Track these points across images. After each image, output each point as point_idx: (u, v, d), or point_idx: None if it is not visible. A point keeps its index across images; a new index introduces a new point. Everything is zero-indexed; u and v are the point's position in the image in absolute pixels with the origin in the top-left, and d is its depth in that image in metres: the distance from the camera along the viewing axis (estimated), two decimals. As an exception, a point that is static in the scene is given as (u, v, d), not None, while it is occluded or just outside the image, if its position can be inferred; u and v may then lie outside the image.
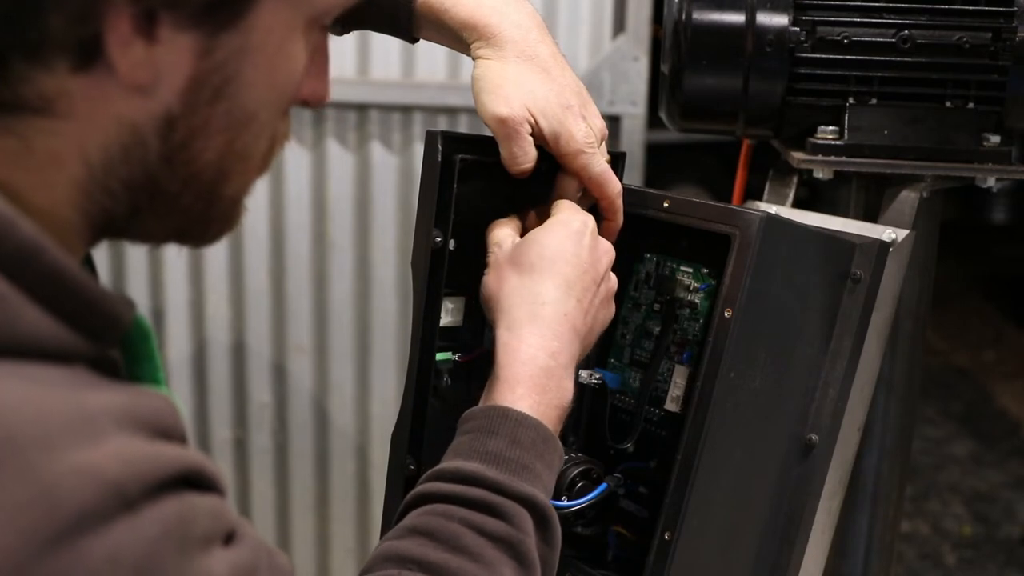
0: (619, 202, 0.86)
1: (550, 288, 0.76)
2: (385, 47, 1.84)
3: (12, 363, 0.49)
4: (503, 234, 0.82)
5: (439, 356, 0.84)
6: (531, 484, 0.71)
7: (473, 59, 0.83)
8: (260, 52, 0.55)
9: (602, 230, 0.88)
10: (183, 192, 0.57)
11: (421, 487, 0.72)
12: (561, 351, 0.76)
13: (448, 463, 0.72)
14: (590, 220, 0.81)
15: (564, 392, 0.76)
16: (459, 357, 0.86)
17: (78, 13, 0.50)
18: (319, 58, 0.63)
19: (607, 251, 0.81)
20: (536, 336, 0.75)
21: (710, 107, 1.05)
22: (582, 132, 0.82)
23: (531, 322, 0.76)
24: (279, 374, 1.96)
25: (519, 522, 0.69)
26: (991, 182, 1.04)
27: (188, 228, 0.60)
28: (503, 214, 0.86)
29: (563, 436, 0.92)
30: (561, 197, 0.85)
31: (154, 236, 0.60)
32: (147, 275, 1.91)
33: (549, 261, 0.77)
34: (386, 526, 0.85)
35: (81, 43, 0.50)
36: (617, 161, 0.88)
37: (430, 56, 1.84)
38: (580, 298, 0.77)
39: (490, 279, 0.80)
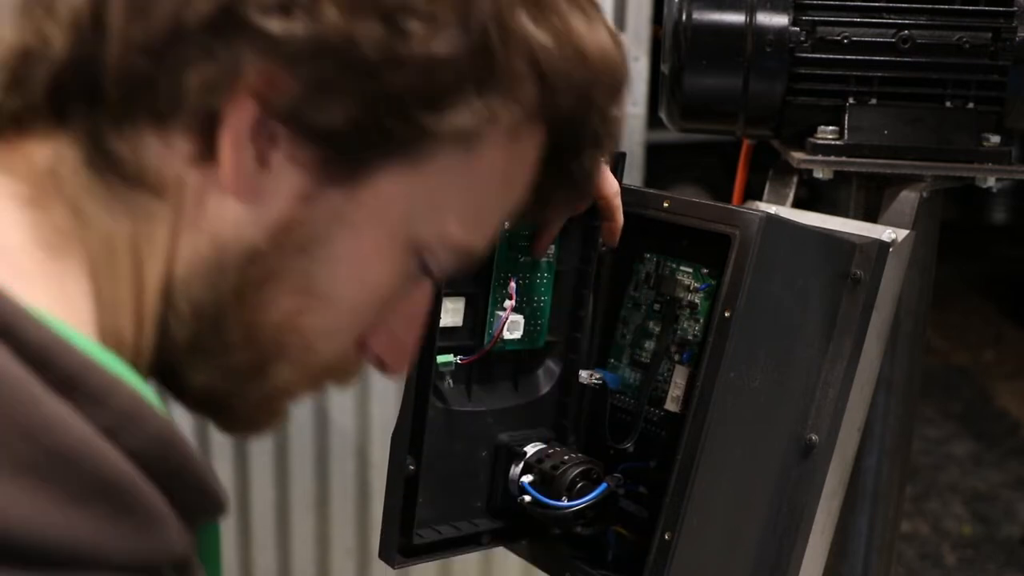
0: (617, 201, 0.85)
1: None
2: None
3: None
4: None
5: (440, 359, 0.84)
6: None
7: None
8: (355, 231, 0.54)
9: (603, 230, 0.88)
10: (239, 345, 0.56)
11: None
12: None
13: None
14: None
15: None
16: (460, 359, 0.86)
17: (212, 80, 0.49)
18: (411, 315, 0.62)
19: None
20: None
21: (710, 107, 1.05)
22: None
23: None
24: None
25: None
26: (991, 182, 1.04)
27: (228, 397, 0.59)
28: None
29: (563, 436, 0.93)
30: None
31: (194, 391, 0.58)
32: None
33: None
34: (386, 526, 0.85)
35: (204, 121, 0.50)
36: (617, 161, 0.88)
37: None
38: None
39: None
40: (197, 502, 0.51)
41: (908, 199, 1.02)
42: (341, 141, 0.52)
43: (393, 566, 0.86)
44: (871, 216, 1.05)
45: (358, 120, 0.51)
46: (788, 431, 0.89)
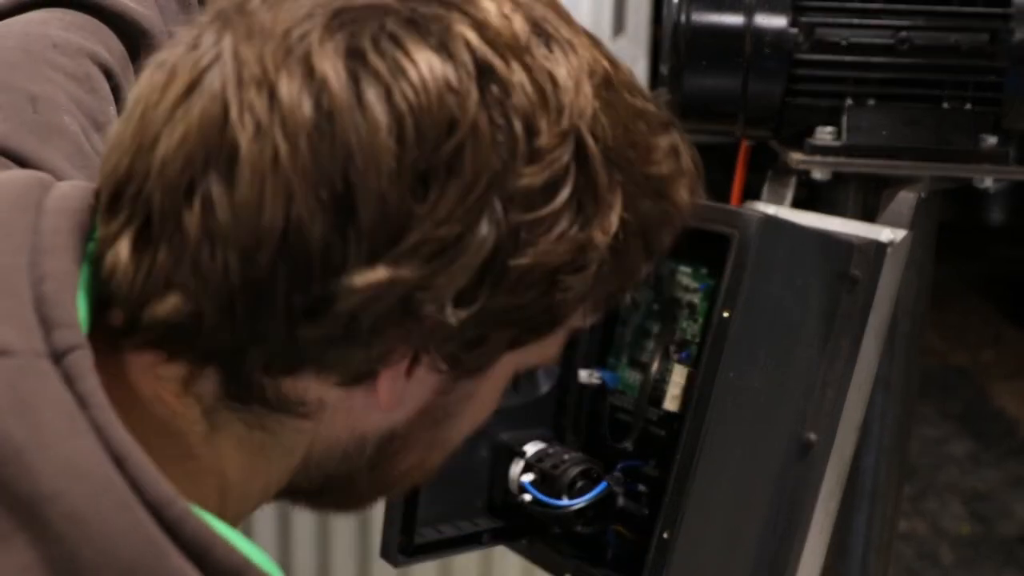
0: None
1: None
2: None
3: None
4: None
5: None
6: None
7: None
8: (480, 396, 0.59)
9: None
10: (366, 490, 0.61)
11: None
12: None
13: None
14: None
15: None
16: None
17: (382, 352, 0.51)
18: None
19: None
20: None
21: (709, 108, 1.05)
22: None
23: None
24: (279, 374, 1.97)
25: None
26: (989, 183, 1.04)
27: (343, 508, 0.65)
28: None
29: (562, 435, 0.93)
30: None
31: (311, 508, 0.64)
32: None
33: None
34: (387, 525, 0.85)
35: (365, 371, 0.53)
36: None
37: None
38: None
39: None
40: None
41: (906, 200, 1.02)
42: (484, 356, 0.55)
43: (395, 565, 0.86)
44: (869, 216, 1.05)
45: (503, 341, 0.55)
46: (787, 430, 0.90)
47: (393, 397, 0.54)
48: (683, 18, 1.02)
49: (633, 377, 0.92)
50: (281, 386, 0.52)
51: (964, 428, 3.69)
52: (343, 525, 2.03)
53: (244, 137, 0.48)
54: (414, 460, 0.60)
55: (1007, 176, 1.04)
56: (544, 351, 0.60)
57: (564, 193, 0.52)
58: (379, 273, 0.48)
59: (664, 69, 1.06)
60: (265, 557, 0.52)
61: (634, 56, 1.84)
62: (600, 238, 0.54)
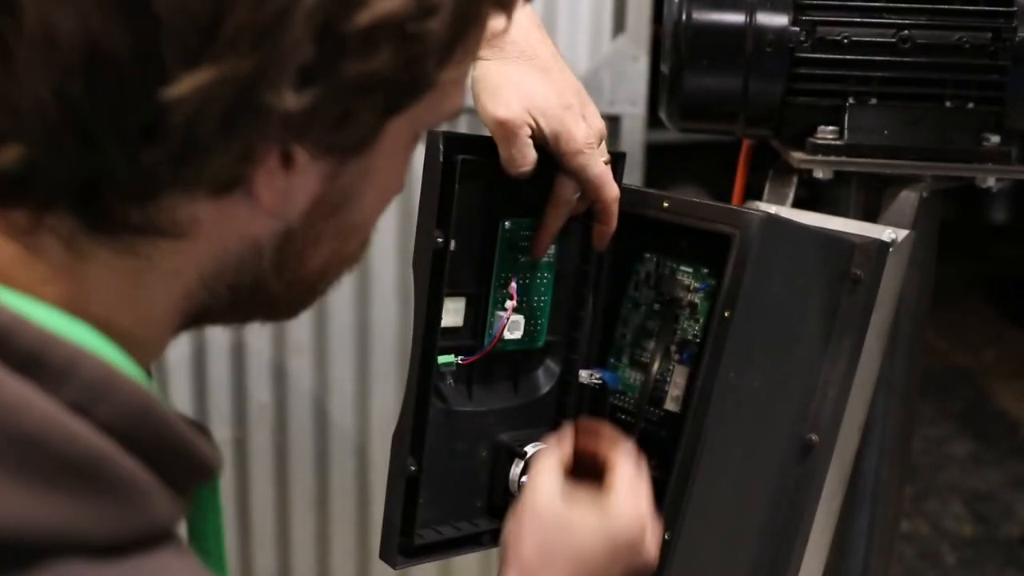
0: (615, 207, 0.85)
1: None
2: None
3: (145, 557, 0.47)
4: (545, 471, 0.75)
5: (441, 359, 0.84)
6: None
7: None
8: (378, 171, 0.55)
9: (595, 233, 0.88)
10: (283, 292, 0.57)
11: None
12: None
13: None
14: (647, 505, 0.75)
15: None
16: (461, 360, 0.86)
17: (240, 154, 0.48)
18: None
19: (655, 542, 0.75)
20: None
21: (710, 107, 1.05)
22: (582, 132, 0.82)
23: None
24: (279, 374, 1.96)
25: None
26: (991, 182, 1.04)
27: (272, 315, 0.60)
28: (503, 214, 0.86)
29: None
30: (558, 197, 0.85)
31: (236, 322, 0.59)
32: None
33: (579, 551, 0.72)
34: (386, 526, 0.85)
35: (230, 178, 0.49)
36: (617, 161, 0.88)
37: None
38: None
39: (512, 526, 0.74)
40: (184, 468, 0.49)
41: (908, 199, 1.02)
42: (358, 131, 0.51)
43: (394, 567, 0.86)
44: (871, 216, 1.05)
45: (373, 111, 0.51)
46: (788, 431, 0.89)
47: (275, 197, 0.50)
48: (684, 17, 1.02)
49: (634, 377, 0.91)
50: (145, 211, 0.48)
51: (965, 428, 3.69)
52: (343, 527, 2.03)
53: None
54: (327, 252, 0.56)
55: (1009, 175, 1.04)
56: (438, 108, 0.55)
57: None
58: (202, 75, 0.44)
59: (665, 68, 1.06)
60: (102, 341, 0.48)
61: (634, 55, 1.84)
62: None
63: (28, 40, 0.44)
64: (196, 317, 0.56)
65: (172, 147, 0.46)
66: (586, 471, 0.76)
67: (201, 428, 0.52)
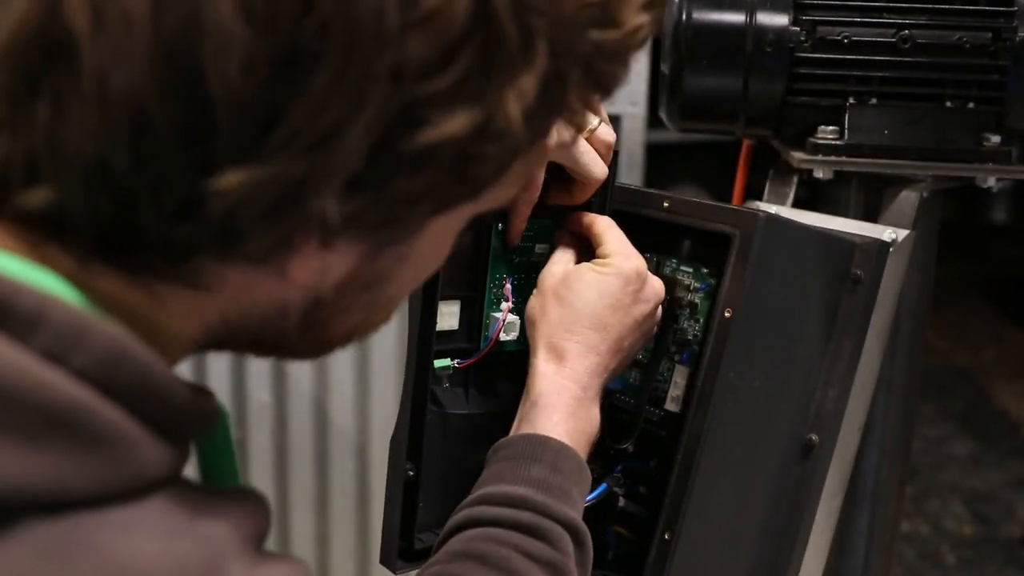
0: (593, 187, 0.83)
1: (588, 328, 0.79)
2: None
3: (133, 507, 0.45)
4: (558, 259, 0.84)
5: (438, 363, 0.84)
6: (571, 509, 0.74)
7: None
8: (419, 255, 0.54)
9: (564, 191, 0.85)
10: (305, 348, 0.56)
11: (468, 511, 0.74)
12: (591, 385, 0.79)
13: (493, 488, 0.74)
14: (641, 264, 0.82)
15: (593, 422, 0.80)
16: (457, 363, 0.86)
17: (278, 241, 0.46)
18: None
19: (655, 294, 0.83)
20: (570, 369, 0.79)
21: (710, 107, 1.05)
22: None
23: (567, 355, 0.79)
24: (279, 374, 1.96)
25: (562, 545, 0.72)
26: (991, 182, 1.04)
27: (290, 358, 0.59)
28: (496, 216, 0.85)
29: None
30: (557, 198, 0.85)
31: (253, 355, 0.58)
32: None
33: (592, 303, 0.80)
34: (386, 531, 0.85)
35: (265, 257, 0.47)
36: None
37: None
38: (616, 340, 0.80)
39: (534, 303, 0.83)
40: (174, 415, 0.47)
41: (908, 199, 1.02)
42: (402, 230, 0.50)
43: (394, 571, 0.85)
44: (871, 216, 1.05)
45: (420, 217, 0.50)
46: (788, 431, 0.89)
47: (308, 274, 0.49)
48: (684, 17, 1.02)
49: (634, 377, 0.91)
50: (173, 264, 0.47)
51: (965, 428, 3.69)
52: (343, 531, 2.03)
53: (80, 22, 0.42)
54: (355, 321, 0.55)
55: (1010, 175, 1.04)
56: (489, 201, 0.53)
57: (463, 59, 0.45)
58: (249, 173, 0.43)
59: (665, 68, 1.06)
60: (72, 291, 0.46)
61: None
62: (513, 104, 0.46)
63: (81, 91, 0.43)
64: (212, 346, 0.54)
65: (209, 227, 0.45)
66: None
67: (201, 389, 0.50)
